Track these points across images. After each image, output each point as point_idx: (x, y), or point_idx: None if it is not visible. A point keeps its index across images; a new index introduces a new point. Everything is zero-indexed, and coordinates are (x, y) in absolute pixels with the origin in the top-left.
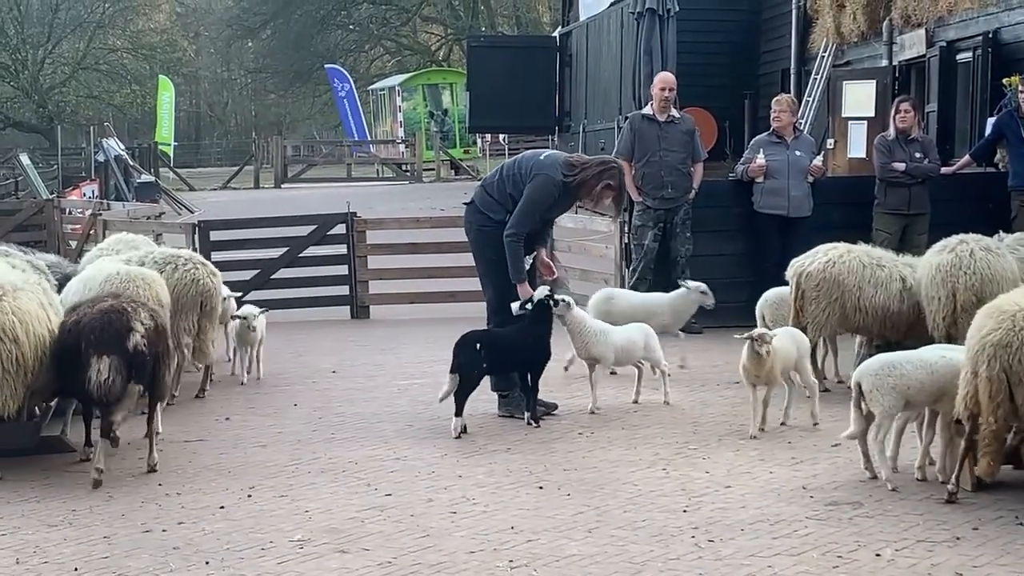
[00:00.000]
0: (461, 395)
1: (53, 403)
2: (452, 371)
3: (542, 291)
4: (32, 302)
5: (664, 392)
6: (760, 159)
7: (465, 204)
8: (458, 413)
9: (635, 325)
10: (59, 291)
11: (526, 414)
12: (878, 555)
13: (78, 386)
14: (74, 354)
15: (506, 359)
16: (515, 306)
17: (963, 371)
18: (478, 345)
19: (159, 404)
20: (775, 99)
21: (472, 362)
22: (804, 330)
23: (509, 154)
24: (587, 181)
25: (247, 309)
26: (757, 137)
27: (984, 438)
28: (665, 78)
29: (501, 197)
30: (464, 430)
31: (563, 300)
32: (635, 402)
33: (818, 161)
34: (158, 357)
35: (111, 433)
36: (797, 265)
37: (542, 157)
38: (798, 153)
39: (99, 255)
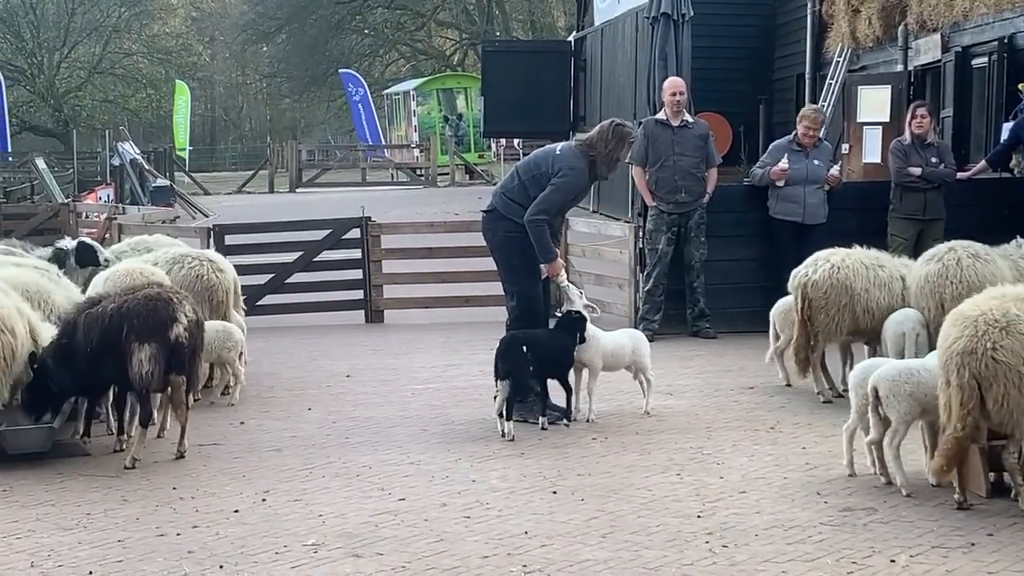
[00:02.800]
0: (512, 399)
1: (66, 406)
2: (502, 377)
3: (576, 296)
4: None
5: (645, 402)
6: (784, 163)
7: (484, 212)
8: (508, 417)
9: (625, 331)
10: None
11: (541, 419)
12: (893, 561)
13: (115, 371)
14: (114, 339)
15: (544, 362)
16: (573, 291)
17: (939, 382)
18: (524, 348)
19: (190, 393)
20: (805, 115)
21: (521, 365)
22: (815, 338)
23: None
24: (611, 151)
25: None
26: (777, 142)
27: (946, 441)
28: (674, 82)
29: (524, 200)
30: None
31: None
32: (646, 413)
33: (835, 171)
34: (195, 349)
35: (149, 422)
36: (800, 276)
37: (558, 151)
38: (816, 162)
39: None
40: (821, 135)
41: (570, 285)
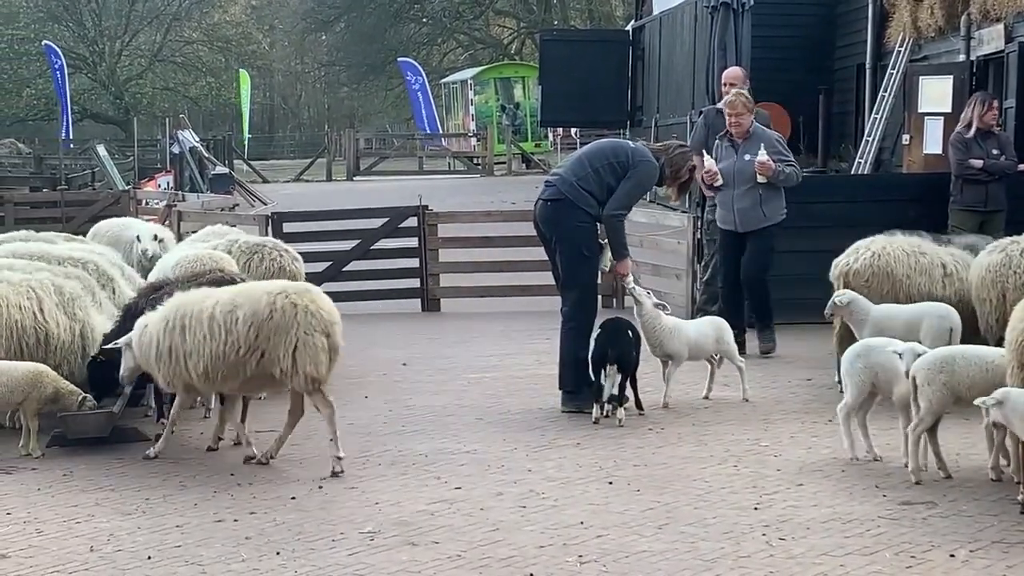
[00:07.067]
0: (623, 384)
1: (127, 391)
2: (611, 362)
3: (644, 297)
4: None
5: (742, 388)
6: (707, 161)
7: (549, 200)
8: (623, 402)
9: (708, 319)
10: None
11: (621, 410)
12: (952, 556)
13: None
14: None
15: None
16: (640, 292)
17: (1008, 369)
18: (630, 332)
19: None
20: (726, 101)
21: (630, 349)
22: (850, 332)
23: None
24: (674, 162)
25: None
26: (716, 141)
27: None
28: (729, 73)
29: (599, 191)
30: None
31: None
32: (705, 398)
33: (762, 156)
34: None
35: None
36: (841, 265)
37: (632, 145)
38: (747, 157)
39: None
40: (877, 124)
41: (635, 287)
